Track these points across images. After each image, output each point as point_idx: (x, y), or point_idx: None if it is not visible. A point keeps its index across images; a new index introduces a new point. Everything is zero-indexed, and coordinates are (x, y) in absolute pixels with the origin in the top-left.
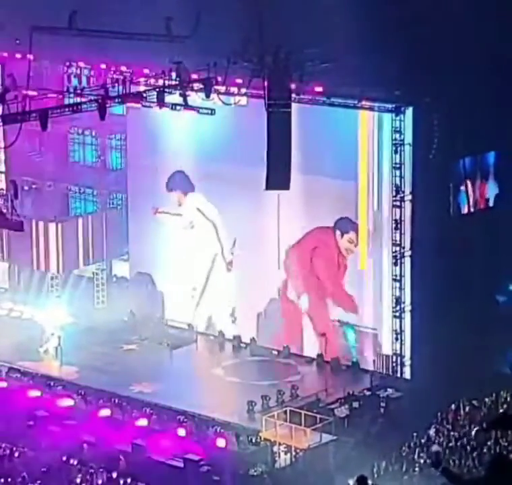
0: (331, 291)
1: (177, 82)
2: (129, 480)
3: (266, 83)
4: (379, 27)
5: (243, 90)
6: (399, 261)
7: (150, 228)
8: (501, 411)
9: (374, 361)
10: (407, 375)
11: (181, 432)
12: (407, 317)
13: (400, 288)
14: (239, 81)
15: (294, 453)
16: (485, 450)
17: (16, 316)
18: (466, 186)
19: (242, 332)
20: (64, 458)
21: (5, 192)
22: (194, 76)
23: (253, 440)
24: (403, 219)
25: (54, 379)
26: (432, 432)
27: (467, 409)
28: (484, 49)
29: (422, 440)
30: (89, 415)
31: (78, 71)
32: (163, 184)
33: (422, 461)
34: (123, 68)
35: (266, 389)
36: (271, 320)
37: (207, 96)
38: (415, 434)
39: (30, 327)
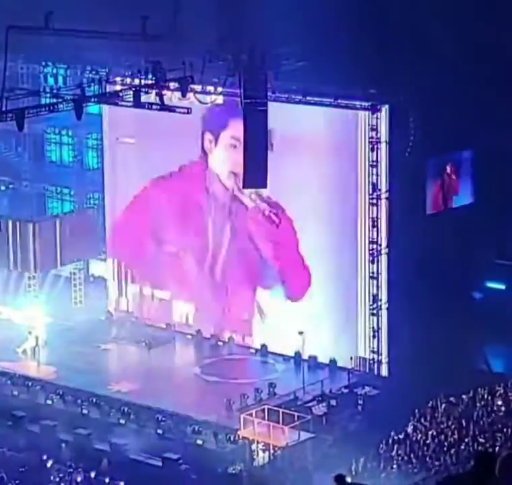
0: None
1: (153, 81)
2: (107, 479)
3: (242, 82)
4: (354, 26)
5: (219, 89)
6: (375, 258)
7: None
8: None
9: (351, 359)
10: (384, 373)
11: (159, 430)
12: (384, 315)
13: (377, 286)
14: (215, 80)
15: (272, 451)
16: (463, 447)
17: None
18: (442, 184)
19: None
20: (42, 458)
21: None
22: (170, 75)
23: (231, 439)
24: (379, 216)
25: (32, 379)
26: (409, 429)
27: (444, 406)
28: (459, 47)
29: (400, 437)
30: (68, 415)
31: (54, 71)
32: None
33: (399, 458)
34: (99, 68)
35: (244, 388)
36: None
37: (184, 95)
38: (393, 431)
39: (8, 327)
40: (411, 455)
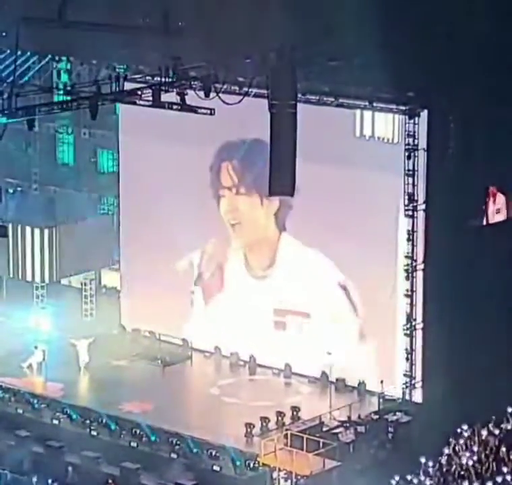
0: None
1: (174, 80)
2: None
3: (269, 82)
4: (392, 24)
5: (245, 89)
6: (410, 274)
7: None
8: None
9: (382, 382)
10: (418, 398)
11: (173, 455)
12: (418, 335)
13: (411, 304)
14: (241, 79)
15: (294, 480)
16: (500, 479)
17: None
18: (485, 195)
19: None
20: (47, 481)
21: None
22: (192, 73)
23: (251, 465)
24: (415, 229)
25: (38, 397)
26: (443, 459)
27: (481, 434)
28: (505, 48)
29: (433, 468)
30: (75, 436)
31: (68, 67)
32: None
33: None
34: (116, 64)
35: (265, 411)
36: None
37: (207, 95)
38: (425, 461)
39: (13, 341)
40: None
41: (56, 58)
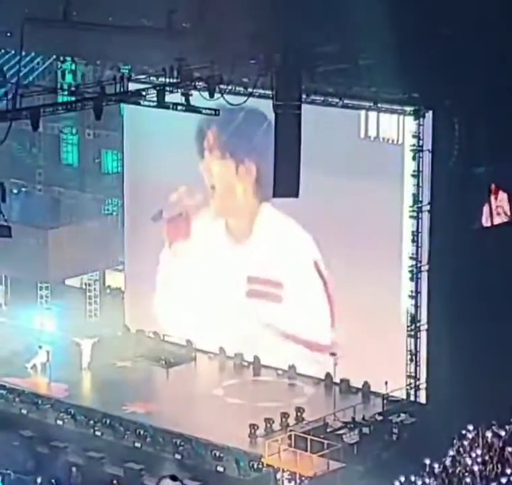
0: None
1: (179, 80)
2: None
3: (274, 83)
4: (397, 25)
5: (250, 90)
6: (415, 276)
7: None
8: None
9: (386, 383)
10: (422, 399)
11: (177, 456)
12: (423, 336)
13: (416, 305)
14: (245, 80)
15: (298, 481)
16: (504, 480)
17: (2, 329)
18: (489, 196)
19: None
20: (52, 481)
21: None
22: (197, 74)
23: (255, 466)
24: (420, 231)
25: (42, 397)
26: (448, 461)
27: (486, 436)
28: (510, 49)
29: (437, 469)
30: (79, 437)
31: (73, 67)
32: (163, 187)
33: None
34: (121, 64)
35: (269, 412)
36: None
37: (211, 96)
38: (429, 462)
39: (17, 341)
40: None
41: (61, 58)
